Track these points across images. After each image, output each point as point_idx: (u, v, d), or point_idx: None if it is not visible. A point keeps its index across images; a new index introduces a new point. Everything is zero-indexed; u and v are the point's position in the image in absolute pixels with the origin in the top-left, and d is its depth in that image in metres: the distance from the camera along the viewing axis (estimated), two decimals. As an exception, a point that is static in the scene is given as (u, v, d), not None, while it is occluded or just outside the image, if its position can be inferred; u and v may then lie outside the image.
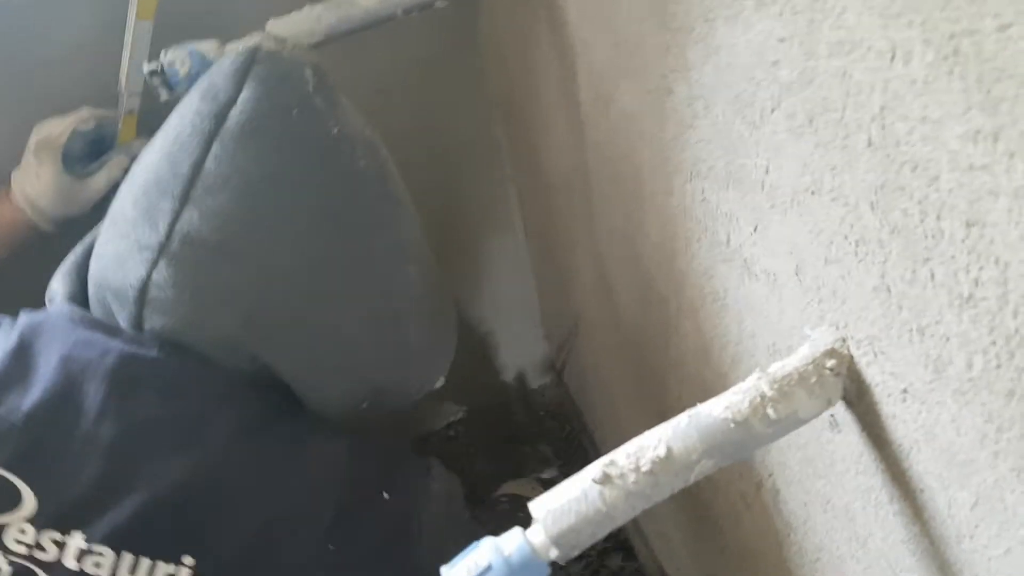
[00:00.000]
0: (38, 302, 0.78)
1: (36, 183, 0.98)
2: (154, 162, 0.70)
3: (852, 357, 0.47)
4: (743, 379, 0.47)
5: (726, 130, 0.53)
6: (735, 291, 0.59)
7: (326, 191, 0.69)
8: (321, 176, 0.69)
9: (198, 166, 0.66)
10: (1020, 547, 0.39)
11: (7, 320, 0.71)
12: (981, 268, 0.34)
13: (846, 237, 0.44)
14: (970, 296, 0.36)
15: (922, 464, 0.44)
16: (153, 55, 0.86)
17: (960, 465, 0.41)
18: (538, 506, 0.47)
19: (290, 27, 0.81)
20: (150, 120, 1.01)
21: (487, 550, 0.47)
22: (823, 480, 0.57)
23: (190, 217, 0.66)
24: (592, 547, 1.34)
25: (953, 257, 0.36)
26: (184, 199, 0.66)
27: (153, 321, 0.68)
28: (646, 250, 0.76)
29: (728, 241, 0.58)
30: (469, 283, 1.51)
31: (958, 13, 0.32)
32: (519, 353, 1.70)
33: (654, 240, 0.72)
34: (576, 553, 0.47)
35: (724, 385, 0.65)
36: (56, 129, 0.97)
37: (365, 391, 0.75)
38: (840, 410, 0.50)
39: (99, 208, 1.05)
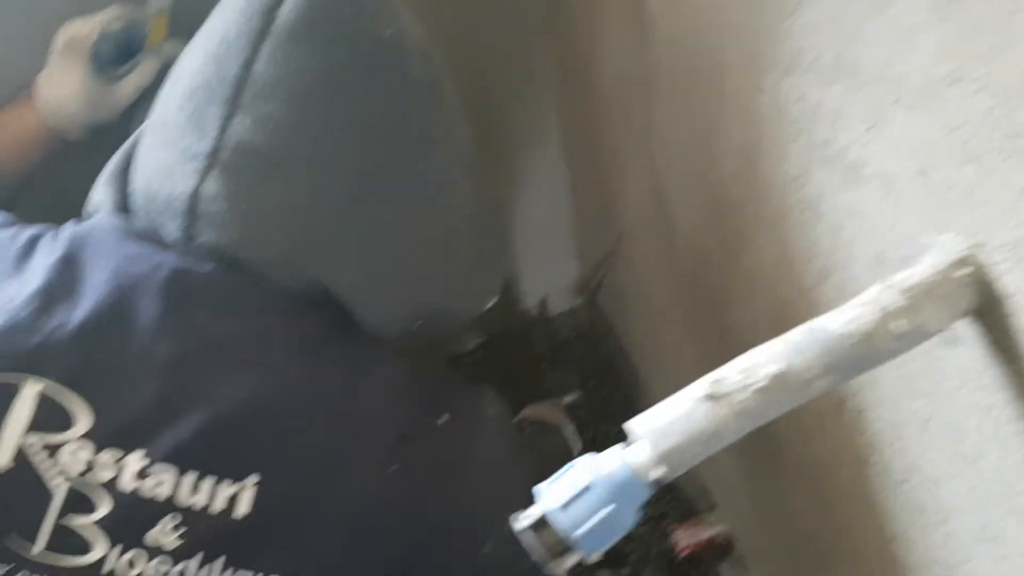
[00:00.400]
0: (68, 215, 0.74)
1: (63, 87, 0.94)
2: (199, 63, 0.65)
3: (986, 265, 0.43)
4: (833, 293, 0.43)
5: (839, 16, 0.47)
6: (833, 197, 0.55)
7: (380, 99, 0.64)
8: (375, 83, 0.64)
9: (247, 68, 0.61)
10: None
11: (51, 230, 0.67)
12: None
13: (992, 132, 0.39)
14: None
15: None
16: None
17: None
18: (638, 424, 0.44)
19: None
20: (182, 20, 0.96)
21: (585, 469, 0.44)
22: (924, 399, 0.54)
23: (241, 124, 0.61)
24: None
25: None
26: (234, 105, 0.62)
27: (205, 235, 0.64)
28: (720, 158, 0.71)
29: (830, 142, 0.53)
30: (498, 203, 1.46)
31: None
32: (548, 275, 1.66)
33: (734, 144, 0.67)
34: (679, 473, 0.44)
35: (808, 301, 0.62)
36: (84, 30, 0.92)
37: (420, 310, 0.72)
38: (962, 323, 0.46)
39: (128, 114, 1.00)
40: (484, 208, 0.75)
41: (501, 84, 1.25)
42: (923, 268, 0.43)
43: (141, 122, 1.01)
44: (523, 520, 0.45)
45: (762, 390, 0.42)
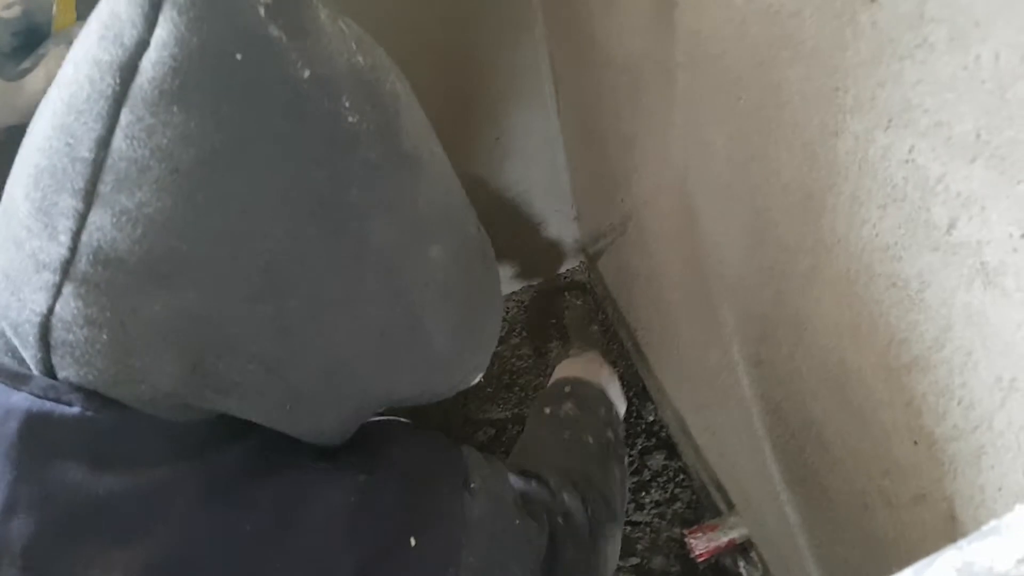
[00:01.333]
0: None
1: (-45, 88, 0.77)
2: (44, 135, 0.46)
3: None
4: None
5: (995, 83, 0.33)
6: (947, 292, 0.42)
7: (297, 167, 0.46)
8: (287, 148, 0.45)
9: (102, 147, 0.43)
10: None
11: None
12: None
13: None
14: None
15: None
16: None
17: None
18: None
19: None
20: None
21: None
22: None
23: (99, 223, 0.44)
24: (632, 445, 1.21)
25: None
26: (89, 197, 0.44)
27: (66, 370, 0.47)
28: (766, 186, 0.57)
29: (951, 229, 0.39)
30: (488, 157, 1.31)
31: None
32: (546, 233, 1.53)
33: (784, 177, 0.53)
34: None
35: (894, 384, 0.50)
36: (-29, 17, 0.75)
37: (373, 410, 0.57)
38: None
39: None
40: (468, 270, 0.58)
41: (494, 23, 1.09)
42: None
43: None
44: None
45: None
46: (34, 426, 0.46)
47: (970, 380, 0.43)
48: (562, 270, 1.62)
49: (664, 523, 1.35)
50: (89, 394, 0.47)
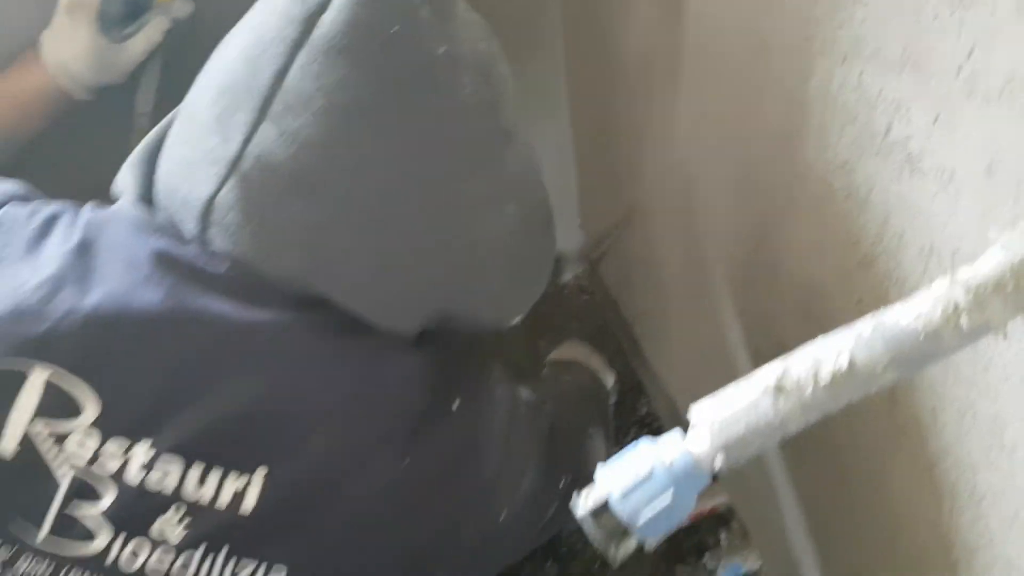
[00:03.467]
0: (74, 178, 0.72)
1: (69, 46, 0.91)
2: (232, 61, 0.62)
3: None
4: (876, 280, 0.43)
5: (914, 8, 0.47)
6: (885, 187, 0.55)
7: (421, 121, 0.61)
8: (418, 104, 0.61)
9: (279, 78, 0.58)
10: None
11: (70, 211, 0.64)
12: None
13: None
14: None
15: None
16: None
17: None
18: (701, 413, 0.44)
19: None
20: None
21: (646, 457, 0.44)
22: (966, 387, 0.55)
23: (266, 135, 0.59)
24: (626, 434, 1.32)
25: None
26: (262, 113, 0.59)
27: (217, 242, 0.61)
28: (755, 139, 0.71)
29: (888, 132, 0.53)
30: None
31: None
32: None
33: (772, 127, 0.67)
34: (740, 464, 0.45)
35: (847, 286, 0.62)
36: (92, -14, 0.89)
37: (436, 322, 0.70)
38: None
39: (135, 76, 0.98)
40: (531, 231, 0.72)
41: (516, 41, 1.23)
42: (989, 265, 0.44)
43: (149, 85, 1.00)
44: (583, 506, 0.45)
45: (829, 384, 0.43)
46: (192, 272, 0.60)
47: (903, 259, 0.56)
48: (566, 278, 1.74)
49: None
50: (233, 261, 0.61)
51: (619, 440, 1.50)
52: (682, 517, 0.45)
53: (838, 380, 0.42)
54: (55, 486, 0.56)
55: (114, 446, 0.56)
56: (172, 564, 0.57)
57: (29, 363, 0.56)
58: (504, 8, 1.18)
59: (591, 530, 0.45)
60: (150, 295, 0.58)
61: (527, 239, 0.71)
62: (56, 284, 0.58)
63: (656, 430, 1.51)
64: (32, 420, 0.56)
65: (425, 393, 0.65)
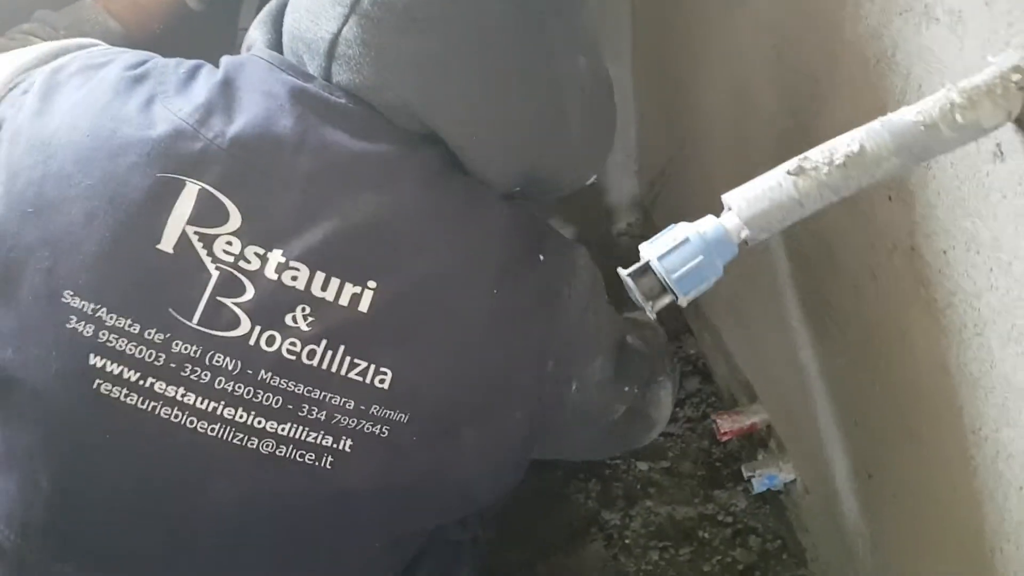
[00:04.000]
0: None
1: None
2: None
3: (1037, 76, 0.51)
4: None
5: None
6: (907, 43, 0.63)
7: None
8: None
9: None
10: None
11: (208, 64, 0.76)
12: None
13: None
14: None
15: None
16: None
17: None
18: (732, 195, 0.53)
19: None
20: None
21: (684, 228, 0.54)
22: (971, 218, 0.62)
23: None
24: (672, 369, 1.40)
25: None
26: None
27: (340, 75, 0.72)
28: (799, 36, 0.79)
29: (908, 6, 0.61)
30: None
31: None
32: (608, 190, 1.75)
33: (813, 19, 0.75)
34: (764, 237, 0.53)
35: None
36: None
37: (526, 170, 0.80)
38: (1009, 135, 0.55)
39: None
40: (599, 86, 0.82)
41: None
42: (984, 75, 0.52)
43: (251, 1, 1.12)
44: (629, 268, 0.54)
45: (842, 166, 0.51)
46: (318, 102, 0.71)
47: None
48: (620, 227, 1.83)
49: (695, 436, 1.53)
50: (351, 95, 0.71)
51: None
52: (712, 278, 0.54)
53: (850, 162, 0.51)
54: (207, 279, 0.67)
55: (252, 252, 0.67)
56: (299, 353, 0.67)
57: (184, 177, 0.67)
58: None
59: (633, 289, 0.54)
60: (284, 121, 0.69)
61: (596, 94, 0.81)
62: (207, 111, 0.69)
63: (701, 368, 1.60)
64: (186, 224, 0.67)
65: (512, 238, 0.75)
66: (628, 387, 0.84)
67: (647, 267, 0.53)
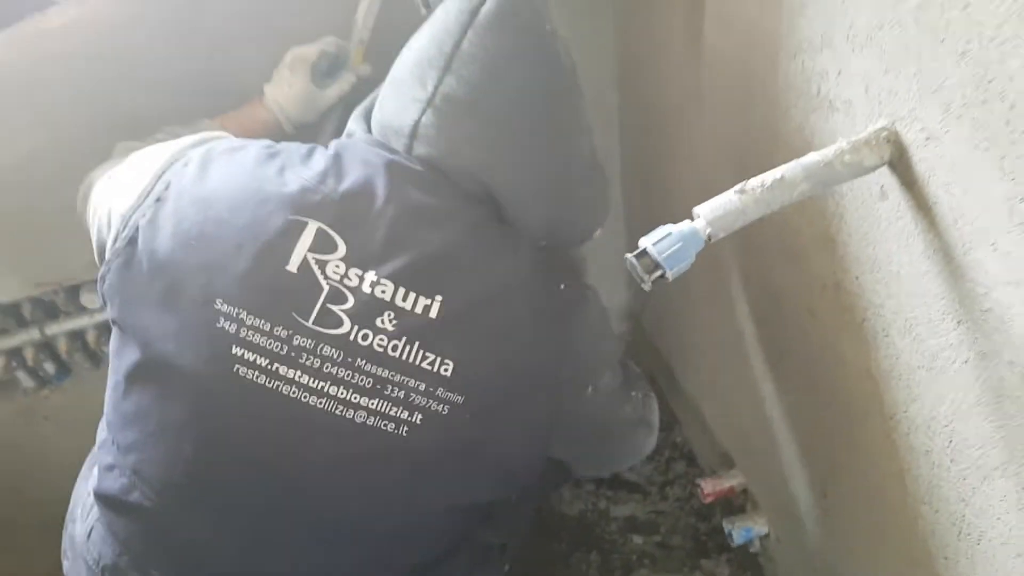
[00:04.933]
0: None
1: (287, 91, 1.34)
2: (424, 44, 1.00)
3: (898, 132, 0.78)
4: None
5: (827, 6, 0.85)
6: (821, 130, 0.91)
7: (541, 70, 0.99)
8: (540, 59, 0.99)
9: (457, 46, 0.96)
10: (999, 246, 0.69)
11: (320, 146, 1.03)
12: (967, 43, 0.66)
13: (905, 53, 0.76)
14: (964, 52, 0.67)
15: (936, 196, 0.75)
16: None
17: (963, 194, 0.72)
18: (699, 207, 0.79)
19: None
20: (374, 50, 1.37)
21: (669, 227, 0.79)
22: (871, 246, 0.88)
23: (449, 81, 0.96)
24: (660, 454, 1.63)
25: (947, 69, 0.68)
26: (446, 69, 0.96)
27: (419, 150, 0.98)
28: (750, 130, 1.08)
29: (818, 92, 0.90)
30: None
31: None
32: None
33: (761, 117, 1.04)
34: (721, 235, 0.78)
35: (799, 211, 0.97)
36: (310, 50, 1.33)
37: (548, 223, 1.04)
38: (888, 179, 0.81)
39: (324, 117, 1.40)
40: (596, 161, 1.10)
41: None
42: (864, 134, 0.79)
43: (331, 125, 1.42)
44: (633, 252, 0.78)
45: (769, 187, 0.77)
46: (401, 168, 0.97)
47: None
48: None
49: (683, 513, 1.71)
50: (427, 164, 0.98)
51: (657, 459, 1.79)
52: (687, 260, 0.78)
53: (775, 185, 0.77)
54: (320, 291, 0.90)
55: (353, 273, 0.91)
56: (386, 347, 0.90)
57: (307, 219, 0.92)
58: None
59: (635, 268, 0.78)
60: (379, 181, 0.94)
61: (595, 166, 1.08)
62: (324, 174, 0.95)
63: (687, 453, 1.79)
64: (307, 252, 0.91)
65: (539, 271, 0.99)
66: (635, 392, 1.07)
67: (645, 251, 0.78)
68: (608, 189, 1.12)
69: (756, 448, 1.40)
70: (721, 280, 1.35)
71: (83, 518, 1.03)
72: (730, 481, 1.49)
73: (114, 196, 1.00)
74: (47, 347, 1.68)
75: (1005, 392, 0.75)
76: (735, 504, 1.53)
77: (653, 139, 1.51)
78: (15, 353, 1.67)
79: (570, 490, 1.75)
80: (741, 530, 1.43)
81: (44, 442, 1.82)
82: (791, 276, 1.09)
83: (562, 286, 1.01)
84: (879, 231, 0.87)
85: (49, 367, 1.71)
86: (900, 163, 0.80)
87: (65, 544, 1.08)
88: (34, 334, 1.64)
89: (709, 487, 1.49)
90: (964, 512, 0.86)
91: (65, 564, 1.08)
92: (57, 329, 1.63)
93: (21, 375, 1.72)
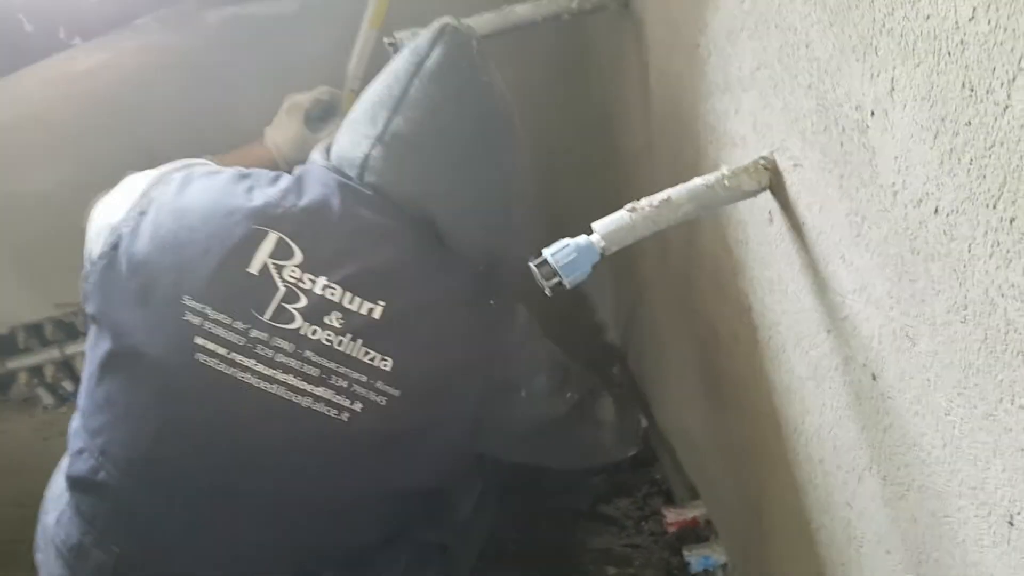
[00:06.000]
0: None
1: (284, 133, 1.48)
2: (378, 89, 1.14)
3: (775, 160, 0.87)
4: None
5: (724, 53, 0.95)
6: (725, 158, 1.00)
7: (476, 115, 1.11)
8: (474, 105, 1.11)
9: (405, 91, 1.09)
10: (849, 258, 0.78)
11: (285, 174, 1.16)
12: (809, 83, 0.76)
13: (773, 89, 0.85)
14: (809, 85, 0.77)
15: (804, 216, 0.84)
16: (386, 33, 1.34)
17: (821, 212, 0.80)
18: (596, 223, 0.88)
19: (474, 22, 1.29)
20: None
21: (568, 240, 0.88)
22: (767, 268, 0.96)
23: (397, 121, 1.09)
24: (638, 490, 1.69)
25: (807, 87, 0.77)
26: (395, 110, 1.09)
27: (369, 178, 1.10)
28: (682, 172, 1.18)
29: (725, 130, 0.99)
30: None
31: None
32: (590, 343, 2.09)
33: (689, 157, 1.14)
34: (614, 248, 0.87)
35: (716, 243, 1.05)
36: (305, 98, 1.47)
37: (485, 249, 1.15)
38: (773, 205, 0.90)
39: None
40: (528, 199, 1.20)
41: (572, 179, 1.77)
42: (744, 162, 0.88)
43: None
44: (535, 261, 0.88)
45: (657, 206, 0.86)
46: (353, 191, 1.09)
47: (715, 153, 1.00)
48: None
49: (657, 547, 1.75)
50: (375, 189, 1.10)
51: (635, 495, 1.84)
52: (583, 270, 0.87)
53: (662, 205, 0.86)
54: (276, 291, 1.02)
55: (307, 277, 1.03)
56: (332, 341, 1.01)
57: (270, 229, 1.04)
58: (562, 141, 1.73)
59: (536, 274, 0.87)
60: (333, 201, 1.07)
61: (526, 200, 1.18)
62: (286, 192, 1.07)
63: (664, 490, 1.84)
64: (267, 257, 1.03)
65: (471, 287, 1.10)
66: (570, 394, 1.15)
67: (545, 260, 0.87)
68: (536, 223, 1.22)
69: (711, 477, 1.46)
70: (675, 315, 1.43)
71: (54, 509, 1.14)
72: (693, 512, 1.54)
73: (106, 214, 1.13)
74: (66, 366, 1.83)
75: (863, 393, 0.82)
76: (701, 535, 1.58)
77: (619, 181, 1.61)
78: (36, 371, 1.82)
79: (547, 520, 1.81)
80: (699, 558, 1.47)
81: (59, 458, 1.95)
82: (719, 304, 1.17)
83: (491, 302, 1.11)
84: (771, 253, 0.95)
85: (68, 385, 1.86)
86: (778, 189, 0.88)
87: (38, 537, 1.18)
88: (54, 353, 1.79)
89: (672, 516, 1.54)
90: (850, 516, 0.92)
91: (38, 557, 1.18)
92: (75, 349, 1.78)
93: (42, 392, 1.86)
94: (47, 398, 1.87)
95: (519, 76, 1.61)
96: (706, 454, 1.45)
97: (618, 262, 1.83)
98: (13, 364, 1.80)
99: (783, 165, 0.86)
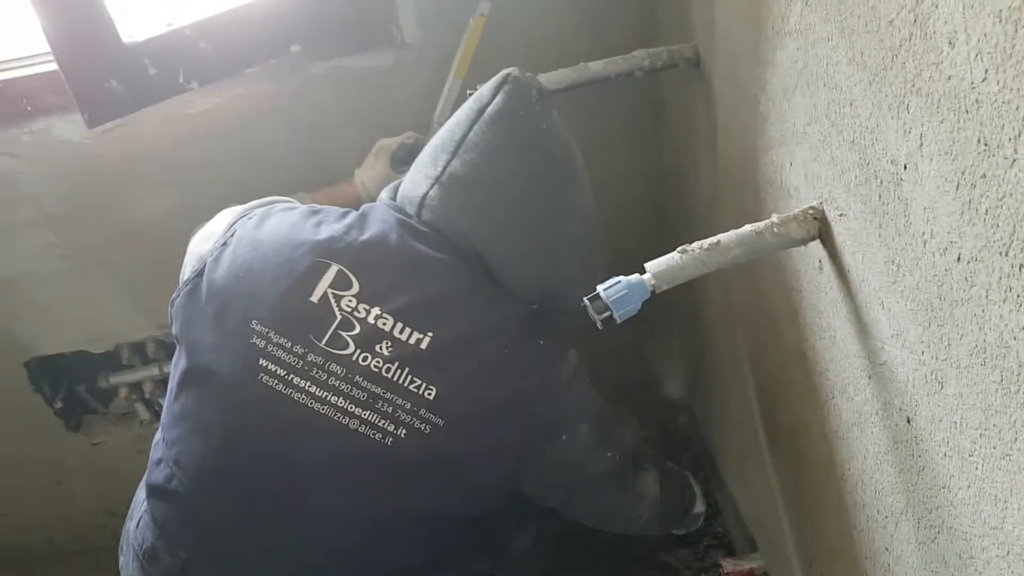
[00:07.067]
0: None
1: (372, 174, 1.58)
2: (443, 133, 1.22)
3: (824, 211, 0.91)
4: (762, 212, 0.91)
5: (781, 110, 1.01)
6: (781, 208, 1.05)
7: (531, 160, 1.17)
8: (530, 151, 1.17)
9: (464, 136, 1.17)
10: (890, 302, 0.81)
11: (353, 211, 1.25)
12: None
13: (822, 143, 0.90)
14: (853, 141, 0.81)
15: (849, 265, 0.87)
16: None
17: (867, 260, 0.84)
18: (649, 264, 0.94)
19: (547, 78, 1.37)
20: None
21: (620, 279, 0.93)
22: (818, 315, 0.99)
23: (455, 164, 1.16)
24: (699, 542, 1.72)
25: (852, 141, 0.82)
26: (454, 153, 1.17)
27: (426, 215, 1.18)
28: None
29: (781, 182, 1.04)
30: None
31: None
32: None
33: (752, 210, 1.18)
34: (665, 287, 0.92)
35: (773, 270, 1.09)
36: (392, 142, 1.58)
37: (536, 289, 1.20)
38: (823, 253, 0.94)
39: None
40: (586, 245, 1.24)
41: (631, 228, 1.82)
42: (794, 212, 0.93)
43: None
44: (588, 296, 0.93)
45: (707, 249, 0.91)
46: (411, 227, 1.17)
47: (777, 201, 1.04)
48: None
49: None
50: (431, 226, 1.18)
51: (697, 546, 1.85)
52: (633, 307, 0.92)
53: (711, 248, 0.91)
54: (333, 319, 1.10)
55: (362, 307, 1.11)
56: (381, 368, 1.08)
57: (332, 261, 1.13)
58: (623, 194, 1.79)
59: (589, 307, 0.93)
60: (392, 236, 1.15)
61: (585, 248, 1.23)
62: (349, 227, 1.16)
63: (727, 544, 1.83)
64: (327, 288, 1.12)
65: (521, 324, 1.15)
66: (611, 454, 1.18)
67: (597, 295, 0.93)
68: (599, 262, 1.26)
69: (768, 527, 1.46)
70: (737, 364, 1.45)
71: (136, 515, 1.23)
72: (750, 563, 1.54)
73: (199, 244, 1.25)
74: (163, 384, 1.96)
75: (899, 437, 0.84)
76: (756, 588, 1.57)
77: (687, 232, 1.66)
78: (136, 387, 1.96)
79: (606, 564, 1.83)
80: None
81: (151, 469, 2.08)
82: (777, 352, 1.20)
83: (541, 342, 1.16)
84: (821, 300, 0.98)
85: (163, 402, 1.98)
86: (827, 238, 0.92)
87: (121, 540, 1.28)
88: (154, 371, 1.93)
89: (730, 567, 1.54)
90: (888, 561, 0.93)
91: (121, 560, 1.27)
92: (172, 368, 1.91)
93: (139, 407, 2.00)
94: (144, 413, 2.01)
95: (594, 128, 1.71)
96: (764, 504, 1.46)
97: (685, 313, 1.87)
98: (116, 379, 1.94)
99: (831, 215, 0.91)
